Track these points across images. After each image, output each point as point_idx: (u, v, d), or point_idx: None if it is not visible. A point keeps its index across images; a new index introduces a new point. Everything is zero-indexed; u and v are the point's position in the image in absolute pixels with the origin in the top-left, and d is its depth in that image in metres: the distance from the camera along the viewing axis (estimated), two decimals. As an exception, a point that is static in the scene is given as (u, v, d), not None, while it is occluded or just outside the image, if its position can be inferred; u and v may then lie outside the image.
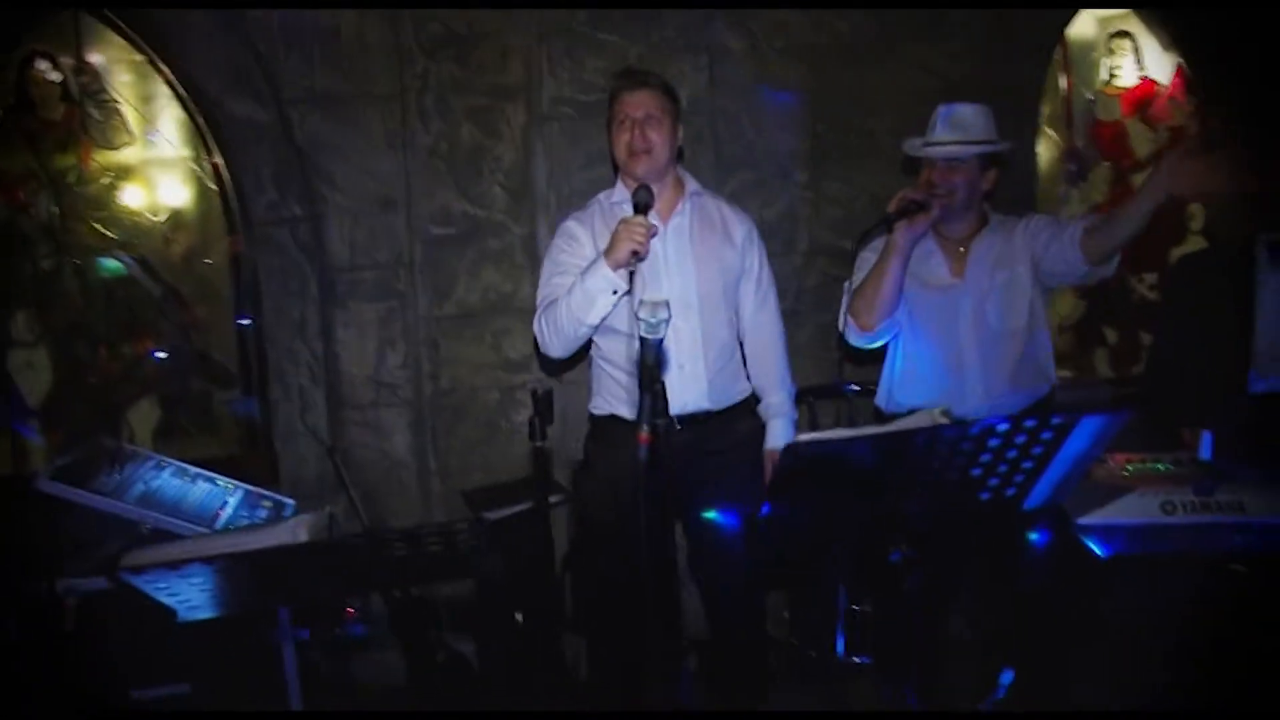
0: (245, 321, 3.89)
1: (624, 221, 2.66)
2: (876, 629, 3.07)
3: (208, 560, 1.84)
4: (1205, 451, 2.18)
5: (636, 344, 1.76)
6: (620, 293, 2.68)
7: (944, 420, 1.91)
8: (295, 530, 2.14)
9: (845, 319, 2.89)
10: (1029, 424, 1.94)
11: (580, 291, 2.71)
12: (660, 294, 2.47)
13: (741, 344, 3.00)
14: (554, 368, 3.47)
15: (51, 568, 2.61)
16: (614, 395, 2.89)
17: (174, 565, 1.81)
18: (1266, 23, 4.08)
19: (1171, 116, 4.46)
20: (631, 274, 2.69)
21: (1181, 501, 2.22)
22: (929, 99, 3.86)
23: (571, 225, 2.94)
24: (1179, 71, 4.43)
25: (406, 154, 3.59)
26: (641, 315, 1.72)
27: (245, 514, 3.00)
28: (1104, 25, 4.43)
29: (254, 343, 3.75)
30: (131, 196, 3.78)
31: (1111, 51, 4.41)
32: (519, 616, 3.45)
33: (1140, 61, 4.41)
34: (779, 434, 2.94)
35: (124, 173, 3.75)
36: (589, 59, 3.63)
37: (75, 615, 2.63)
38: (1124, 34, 4.39)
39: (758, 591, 3.07)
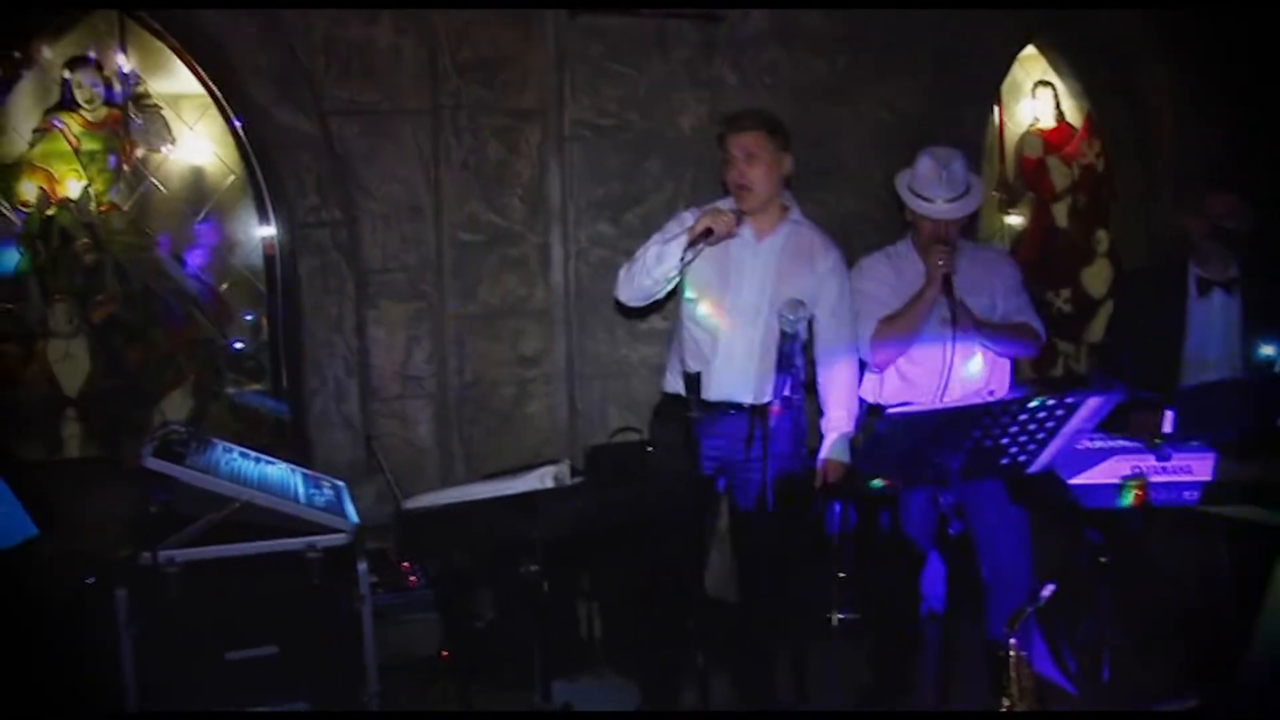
0: (249, 316, 4.13)
1: (711, 208, 3.06)
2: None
3: (482, 502, 2.17)
4: (1168, 426, 2.76)
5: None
6: (685, 259, 2.98)
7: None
8: (543, 478, 2.51)
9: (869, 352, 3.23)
10: (1050, 401, 2.45)
11: (657, 249, 3.07)
12: (743, 296, 3.01)
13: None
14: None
15: (154, 539, 2.82)
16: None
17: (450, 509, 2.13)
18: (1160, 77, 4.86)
19: (1082, 154, 5.17)
20: (696, 246, 2.98)
21: (1146, 465, 2.79)
22: (888, 132, 4.46)
23: (686, 214, 3.25)
24: (1088, 116, 5.15)
25: (440, 166, 3.91)
26: (784, 312, 2.14)
27: (315, 491, 3.23)
28: (1029, 74, 5.11)
29: (284, 336, 3.98)
30: (169, 196, 3.95)
31: (1035, 97, 5.09)
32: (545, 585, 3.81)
33: (1059, 107, 5.11)
34: (833, 446, 3.22)
35: (163, 173, 3.93)
36: (605, 88, 4.04)
37: (178, 583, 2.83)
38: (1045, 83, 5.09)
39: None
